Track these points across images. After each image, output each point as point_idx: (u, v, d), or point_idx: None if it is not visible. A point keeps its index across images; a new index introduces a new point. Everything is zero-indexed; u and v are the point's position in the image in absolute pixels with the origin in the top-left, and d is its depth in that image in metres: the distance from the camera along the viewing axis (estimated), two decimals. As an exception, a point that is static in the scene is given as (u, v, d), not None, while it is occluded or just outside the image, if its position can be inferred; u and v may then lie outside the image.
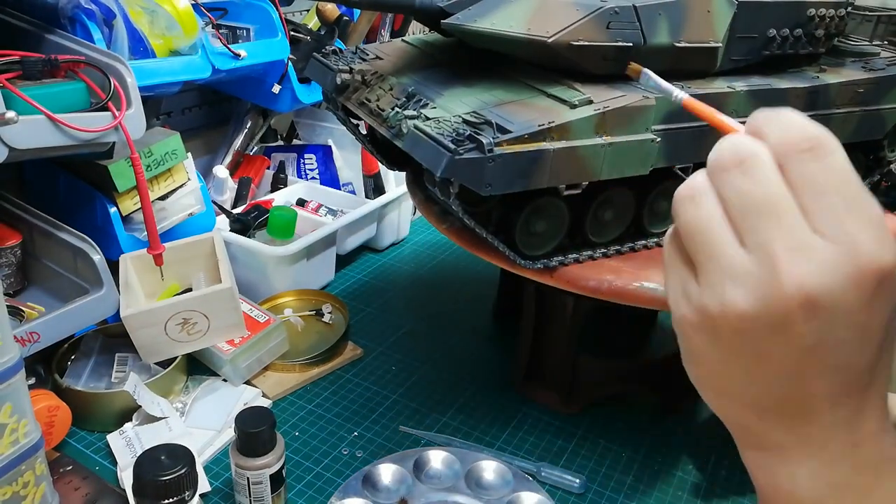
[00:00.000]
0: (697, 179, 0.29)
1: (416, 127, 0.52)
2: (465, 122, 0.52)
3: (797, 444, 0.29)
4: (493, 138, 0.49)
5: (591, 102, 0.54)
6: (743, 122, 0.29)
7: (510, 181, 0.51)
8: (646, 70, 0.41)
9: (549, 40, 0.53)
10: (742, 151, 0.27)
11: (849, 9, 0.67)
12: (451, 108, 0.55)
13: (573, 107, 0.54)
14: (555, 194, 0.57)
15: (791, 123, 0.26)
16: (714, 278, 0.27)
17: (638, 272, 0.61)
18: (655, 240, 0.67)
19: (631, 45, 0.56)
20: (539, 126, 0.51)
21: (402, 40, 0.73)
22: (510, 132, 0.50)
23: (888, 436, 0.30)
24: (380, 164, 0.83)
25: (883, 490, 0.30)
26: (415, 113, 0.54)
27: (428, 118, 0.53)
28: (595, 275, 0.60)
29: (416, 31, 1.19)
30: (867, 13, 0.76)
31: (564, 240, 0.62)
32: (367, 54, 0.70)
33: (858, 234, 0.25)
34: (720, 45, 0.60)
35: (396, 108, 0.56)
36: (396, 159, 0.77)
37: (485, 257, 0.62)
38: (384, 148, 0.76)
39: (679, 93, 0.36)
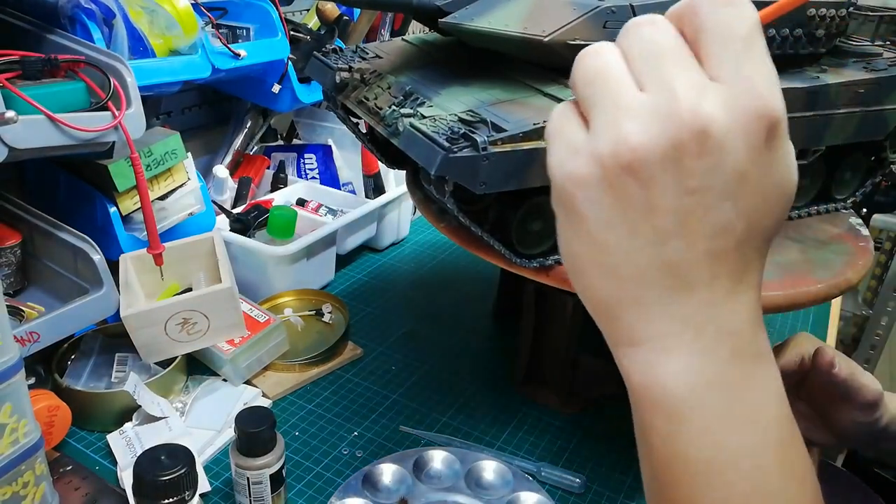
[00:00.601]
0: (601, 42, 0.29)
1: (411, 125, 0.52)
2: (461, 120, 0.52)
3: (674, 331, 0.29)
4: (488, 137, 0.49)
5: (588, 101, 0.54)
6: None
7: (505, 179, 0.51)
8: None
9: (546, 39, 0.53)
10: (653, 16, 0.28)
11: (850, 9, 0.66)
12: (447, 106, 0.55)
13: (570, 105, 0.53)
14: (551, 193, 0.56)
15: None
16: (609, 119, 0.27)
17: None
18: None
19: (629, 43, 0.55)
20: (534, 125, 0.50)
21: (402, 39, 0.73)
22: (505, 131, 0.50)
23: (761, 332, 0.30)
24: (380, 163, 0.83)
25: (756, 386, 0.30)
26: (411, 111, 0.54)
27: (424, 116, 0.53)
28: (593, 274, 0.60)
29: (417, 31, 1.19)
30: (869, 13, 0.76)
31: (562, 239, 0.61)
32: (367, 53, 0.70)
33: (756, 79, 0.26)
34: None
35: (393, 107, 0.56)
36: (396, 158, 0.77)
37: (482, 255, 0.62)
38: (384, 146, 0.76)
39: None
